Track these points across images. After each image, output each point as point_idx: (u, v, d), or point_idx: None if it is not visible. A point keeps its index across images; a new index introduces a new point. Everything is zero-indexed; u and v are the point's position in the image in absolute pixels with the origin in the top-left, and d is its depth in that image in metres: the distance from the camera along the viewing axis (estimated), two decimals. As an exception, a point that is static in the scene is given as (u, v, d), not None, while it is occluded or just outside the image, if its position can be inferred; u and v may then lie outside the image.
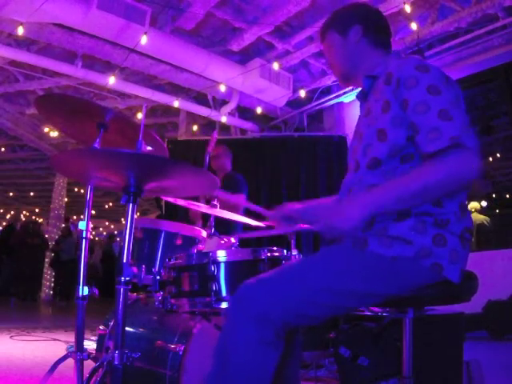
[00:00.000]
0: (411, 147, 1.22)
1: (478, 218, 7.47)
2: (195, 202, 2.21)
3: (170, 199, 2.12)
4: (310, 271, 1.18)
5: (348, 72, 1.46)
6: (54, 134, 7.34)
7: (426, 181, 1.11)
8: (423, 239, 1.16)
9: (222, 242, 2.15)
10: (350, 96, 5.54)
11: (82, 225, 1.65)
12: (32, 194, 13.38)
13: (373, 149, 1.26)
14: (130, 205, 1.43)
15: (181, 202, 2.13)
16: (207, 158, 2.73)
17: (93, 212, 2.09)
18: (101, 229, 18.32)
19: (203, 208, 2.16)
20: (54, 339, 3.93)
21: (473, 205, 7.68)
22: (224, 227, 2.96)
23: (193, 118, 6.60)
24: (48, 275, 9.52)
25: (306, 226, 1.69)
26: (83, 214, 1.70)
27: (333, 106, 5.95)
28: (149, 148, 1.55)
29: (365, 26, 1.42)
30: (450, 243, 1.17)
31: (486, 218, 7.56)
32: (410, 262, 1.15)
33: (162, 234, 2.09)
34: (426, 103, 1.16)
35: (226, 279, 1.65)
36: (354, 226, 1.13)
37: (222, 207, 3.05)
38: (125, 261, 1.40)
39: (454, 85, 1.24)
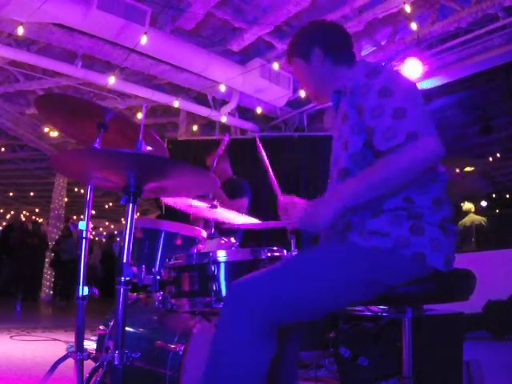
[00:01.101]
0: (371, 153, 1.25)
1: (475, 218, 7.48)
2: (195, 203, 2.21)
3: (170, 203, 2.11)
4: (301, 267, 1.21)
5: (319, 93, 1.52)
6: (54, 134, 7.33)
7: (385, 173, 1.16)
8: (399, 230, 1.18)
9: (222, 242, 2.15)
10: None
11: (81, 225, 1.65)
12: (32, 194, 13.38)
13: (340, 159, 1.32)
14: (130, 205, 1.43)
15: (180, 206, 2.13)
16: (216, 159, 2.72)
17: (93, 212, 2.09)
18: (101, 229, 18.32)
19: (204, 211, 2.16)
20: (54, 339, 3.92)
21: (467, 206, 7.68)
22: (225, 229, 2.95)
23: (193, 117, 6.60)
24: (48, 275, 9.52)
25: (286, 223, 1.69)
26: (83, 214, 1.69)
27: (333, 106, 5.95)
28: (149, 148, 1.55)
29: (324, 46, 1.44)
30: (429, 232, 1.19)
31: (483, 218, 7.57)
32: (389, 252, 1.18)
33: (162, 234, 2.09)
34: (380, 107, 1.19)
35: (226, 279, 1.65)
36: (326, 223, 1.20)
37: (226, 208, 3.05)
38: (125, 261, 1.40)
39: (409, 82, 1.27)
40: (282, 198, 1.58)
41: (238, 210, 3.11)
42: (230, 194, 3.16)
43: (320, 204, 1.23)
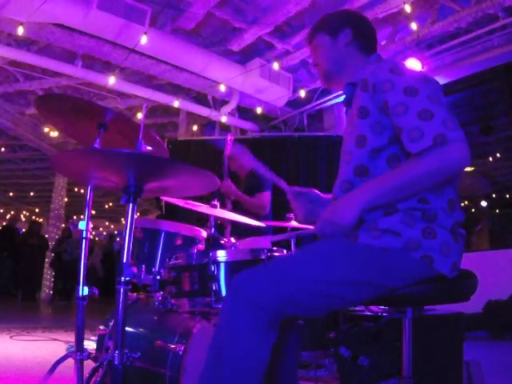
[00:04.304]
0: (394, 147, 1.24)
1: None
2: (197, 203, 2.21)
3: (172, 200, 2.11)
4: (303, 262, 1.20)
5: (332, 73, 1.47)
6: (54, 134, 7.33)
7: (412, 175, 1.15)
8: (412, 231, 1.17)
9: (222, 242, 2.15)
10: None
11: (82, 225, 1.65)
12: (32, 194, 13.37)
13: (354, 156, 1.29)
14: (130, 205, 1.43)
15: (179, 202, 2.13)
16: (226, 161, 2.71)
17: (93, 212, 2.09)
18: (101, 229, 18.33)
19: (203, 208, 2.16)
20: (54, 339, 3.92)
21: None
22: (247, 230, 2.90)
23: (193, 117, 6.60)
24: (48, 275, 9.52)
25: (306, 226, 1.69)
26: (83, 213, 1.69)
27: (333, 105, 5.95)
28: (149, 148, 1.55)
29: (355, 30, 1.44)
30: (440, 236, 1.18)
31: None
32: (398, 253, 1.17)
33: (162, 234, 2.09)
34: (404, 104, 1.17)
35: (226, 279, 1.66)
36: (352, 222, 1.18)
37: (247, 206, 3.02)
38: (125, 261, 1.40)
39: (432, 81, 1.25)
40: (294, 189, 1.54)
41: (262, 206, 3.07)
42: (252, 190, 3.11)
43: (341, 204, 1.21)
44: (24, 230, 10.68)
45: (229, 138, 2.78)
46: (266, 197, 3.13)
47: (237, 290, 1.16)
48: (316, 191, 1.54)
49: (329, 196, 1.49)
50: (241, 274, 1.19)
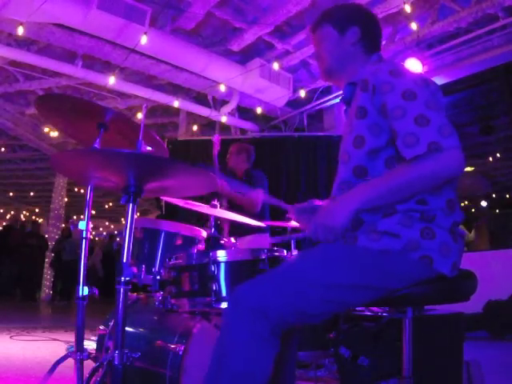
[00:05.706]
0: (391, 149, 1.23)
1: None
2: (196, 202, 2.21)
3: (172, 200, 2.12)
4: (303, 267, 1.20)
5: (334, 70, 1.45)
6: (54, 134, 7.34)
7: (405, 179, 1.15)
8: (410, 232, 1.17)
9: (222, 242, 2.15)
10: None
11: (82, 225, 1.65)
12: (32, 194, 13.37)
13: (353, 157, 1.28)
14: (130, 205, 1.43)
15: (179, 202, 2.13)
16: (215, 160, 2.74)
17: (93, 212, 2.09)
18: (101, 229, 18.32)
19: (203, 208, 2.16)
20: (54, 339, 3.92)
21: None
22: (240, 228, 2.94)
23: (193, 117, 6.60)
24: (48, 275, 9.52)
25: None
26: (83, 213, 1.69)
27: (333, 105, 5.96)
28: (149, 148, 1.55)
29: (363, 29, 1.42)
30: (439, 236, 1.18)
31: (468, 233, 7.59)
32: (397, 254, 1.17)
33: (162, 234, 2.09)
34: (402, 108, 1.17)
35: (226, 279, 1.66)
36: (343, 225, 1.17)
37: (240, 204, 3.05)
38: (125, 261, 1.40)
39: (431, 84, 1.25)
40: (298, 205, 1.53)
41: (254, 203, 3.09)
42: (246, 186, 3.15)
43: (334, 207, 1.21)
44: (23, 230, 10.68)
45: (215, 138, 2.82)
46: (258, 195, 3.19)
47: (237, 298, 1.16)
48: (316, 202, 1.52)
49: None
50: (241, 286, 1.19)
